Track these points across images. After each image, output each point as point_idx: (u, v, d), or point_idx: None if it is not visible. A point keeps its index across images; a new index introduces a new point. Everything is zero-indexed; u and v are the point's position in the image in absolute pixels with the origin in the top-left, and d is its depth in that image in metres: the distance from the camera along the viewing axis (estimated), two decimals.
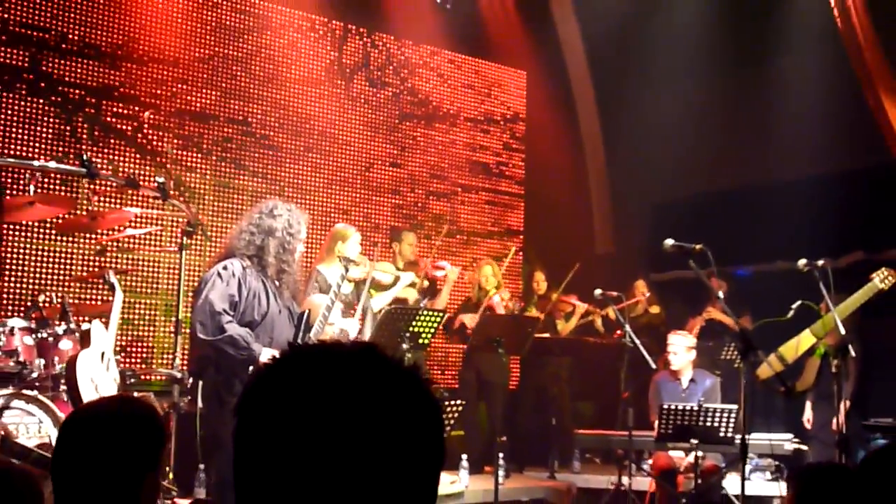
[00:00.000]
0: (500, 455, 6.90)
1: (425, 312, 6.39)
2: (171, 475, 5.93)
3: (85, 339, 4.95)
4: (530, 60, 10.56)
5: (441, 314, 6.58)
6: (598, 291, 7.40)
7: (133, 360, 7.63)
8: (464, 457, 7.30)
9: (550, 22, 10.52)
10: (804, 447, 7.27)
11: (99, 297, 7.29)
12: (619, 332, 7.61)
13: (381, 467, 1.03)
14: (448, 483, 7.08)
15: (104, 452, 1.97)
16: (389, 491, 1.03)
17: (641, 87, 10.21)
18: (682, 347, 7.43)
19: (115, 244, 7.41)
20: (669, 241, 5.06)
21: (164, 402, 5.94)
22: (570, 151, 10.65)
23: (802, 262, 5.66)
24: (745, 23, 9.21)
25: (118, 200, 7.50)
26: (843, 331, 5.53)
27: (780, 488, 7.17)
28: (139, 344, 7.83)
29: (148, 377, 7.18)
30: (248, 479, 1.06)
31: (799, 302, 5.74)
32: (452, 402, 5.27)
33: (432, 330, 6.40)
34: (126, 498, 1.96)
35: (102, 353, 5.05)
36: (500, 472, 6.89)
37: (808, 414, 7.44)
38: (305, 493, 1.02)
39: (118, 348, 7.34)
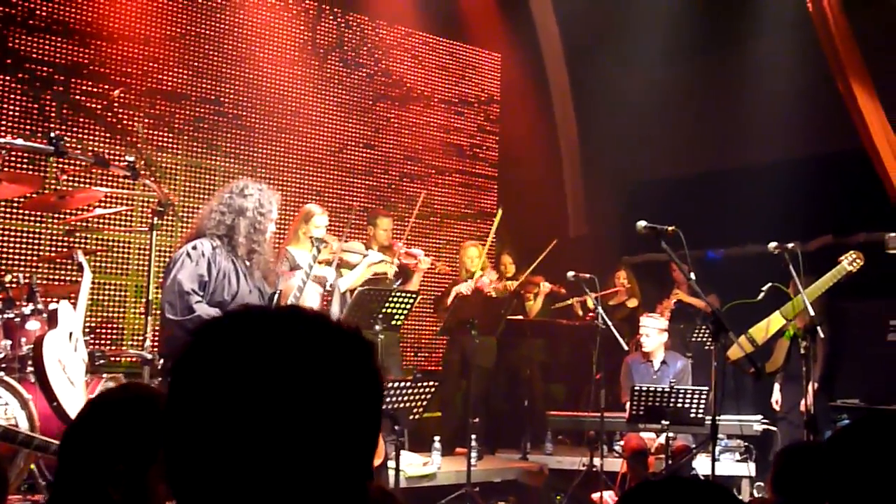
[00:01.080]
0: (473, 437, 6.93)
1: (398, 294, 6.38)
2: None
3: (52, 320, 4.90)
4: (505, 43, 10.53)
5: (414, 295, 6.57)
6: (570, 274, 7.42)
7: (103, 342, 7.56)
8: (436, 438, 7.32)
9: (525, 4, 10.48)
10: (773, 428, 7.36)
11: (67, 278, 7.21)
12: (591, 313, 7.64)
13: (311, 430, 1.01)
14: (420, 464, 7.11)
15: (112, 440, 1.93)
16: (320, 455, 1.02)
17: (615, 69, 10.22)
18: (654, 330, 7.50)
19: (84, 224, 7.32)
20: (642, 223, 5.07)
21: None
22: (544, 134, 10.65)
23: (773, 244, 5.71)
24: (718, 6, 9.23)
25: (87, 179, 7.41)
26: (812, 313, 5.59)
27: (748, 468, 7.25)
28: (109, 325, 7.76)
29: (117, 359, 7.12)
30: (178, 442, 1.04)
31: (769, 284, 5.79)
32: (425, 384, 5.27)
33: (405, 311, 6.39)
34: (130, 489, 1.92)
35: (70, 334, 5.00)
36: (473, 454, 6.92)
37: (776, 395, 7.53)
38: (236, 454, 1.00)
39: (88, 329, 7.27)
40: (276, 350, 1.03)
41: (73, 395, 4.81)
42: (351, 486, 1.05)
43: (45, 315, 5.03)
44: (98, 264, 7.56)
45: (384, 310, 6.23)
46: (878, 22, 8.10)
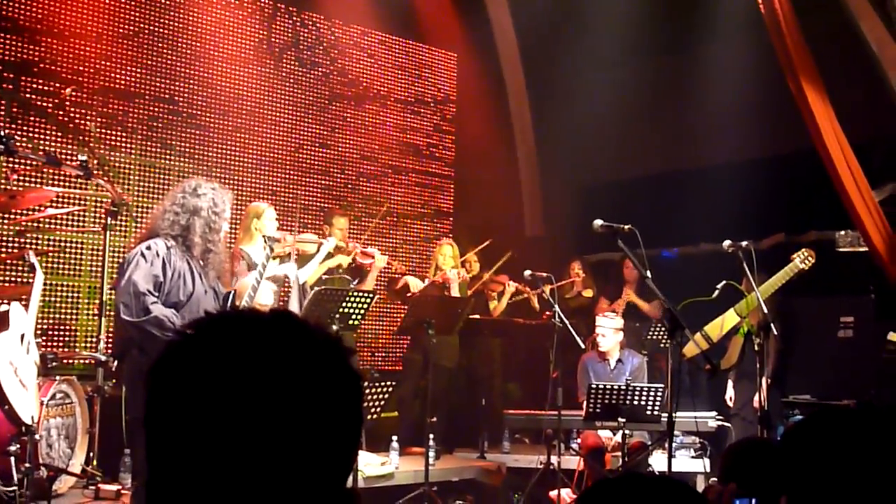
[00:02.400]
0: (431, 436, 6.93)
1: (355, 294, 6.37)
2: (94, 461, 5.83)
3: (3, 322, 4.81)
4: (461, 42, 10.55)
5: (371, 295, 6.56)
6: (527, 272, 7.47)
7: (56, 344, 7.43)
8: (394, 438, 7.31)
9: (481, 4, 10.52)
10: (727, 424, 7.46)
11: (19, 279, 7.08)
12: (548, 312, 7.68)
13: (294, 433, 1.01)
14: (378, 464, 7.09)
15: None
16: (303, 457, 1.02)
17: (571, 71, 10.29)
18: (609, 330, 7.57)
19: (35, 224, 7.20)
20: (599, 222, 5.12)
21: (87, 386, 5.83)
22: (500, 134, 10.69)
23: (727, 243, 5.79)
24: (673, 9, 9.33)
25: (39, 179, 7.29)
26: (765, 310, 5.68)
27: (703, 465, 7.34)
28: (62, 327, 7.63)
29: (71, 360, 7.01)
30: (160, 448, 1.04)
31: (723, 282, 5.87)
32: (382, 384, 5.26)
33: (362, 311, 6.38)
34: None
35: (22, 336, 4.91)
36: (431, 453, 6.92)
37: (730, 392, 7.64)
38: (218, 461, 1.00)
39: (40, 331, 7.15)
40: (258, 355, 1.03)
41: (25, 397, 4.73)
42: (333, 488, 1.05)
43: None
44: (51, 265, 7.44)
45: (341, 309, 6.21)
46: (828, 24, 8.25)
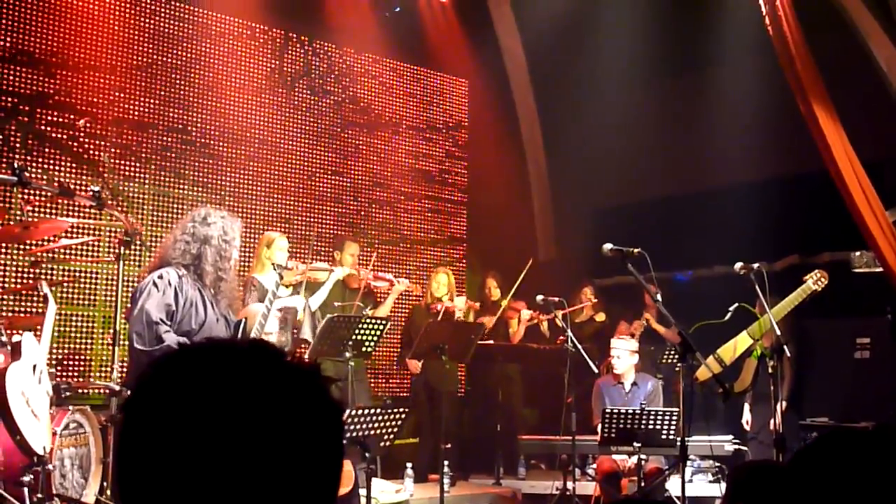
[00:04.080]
0: (445, 463, 6.90)
1: (368, 321, 6.37)
2: (108, 491, 5.82)
3: (15, 352, 4.83)
4: (472, 69, 10.60)
5: (384, 322, 6.56)
6: (539, 297, 7.46)
7: (70, 374, 7.47)
8: (408, 465, 7.29)
9: (491, 30, 10.57)
10: (744, 448, 7.40)
11: (32, 309, 7.12)
12: (561, 337, 7.66)
13: (270, 465, 1.00)
14: (393, 492, 7.06)
15: None
16: (281, 491, 1.01)
17: (581, 95, 10.32)
18: (625, 352, 7.51)
19: (49, 255, 7.25)
20: (608, 245, 5.11)
21: (101, 416, 5.84)
22: (512, 159, 10.71)
23: (739, 265, 5.76)
24: (682, 31, 9.35)
25: (52, 210, 7.35)
26: (778, 332, 5.64)
27: (720, 489, 7.27)
28: (76, 357, 7.67)
29: (85, 390, 7.03)
30: (132, 478, 1.03)
31: (736, 304, 5.84)
32: (395, 410, 5.24)
33: (376, 338, 6.38)
34: None
35: (34, 366, 4.93)
36: (446, 480, 6.89)
37: (746, 416, 7.57)
38: (192, 491, 0.99)
39: (55, 361, 7.20)
40: (232, 387, 1.03)
41: (37, 428, 4.75)
42: None
43: (8, 347, 4.95)
44: (64, 295, 7.49)
45: (354, 336, 6.21)
46: (837, 44, 8.25)
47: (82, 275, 7.68)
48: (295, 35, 9.36)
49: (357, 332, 6.23)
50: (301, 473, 1.02)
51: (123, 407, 1.07)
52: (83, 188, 7.08)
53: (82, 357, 7.69)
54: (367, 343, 6.33)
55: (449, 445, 7.24)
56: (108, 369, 6.28)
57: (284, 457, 1.01)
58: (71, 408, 5.44)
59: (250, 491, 0.99)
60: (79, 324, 7.68)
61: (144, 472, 1.02)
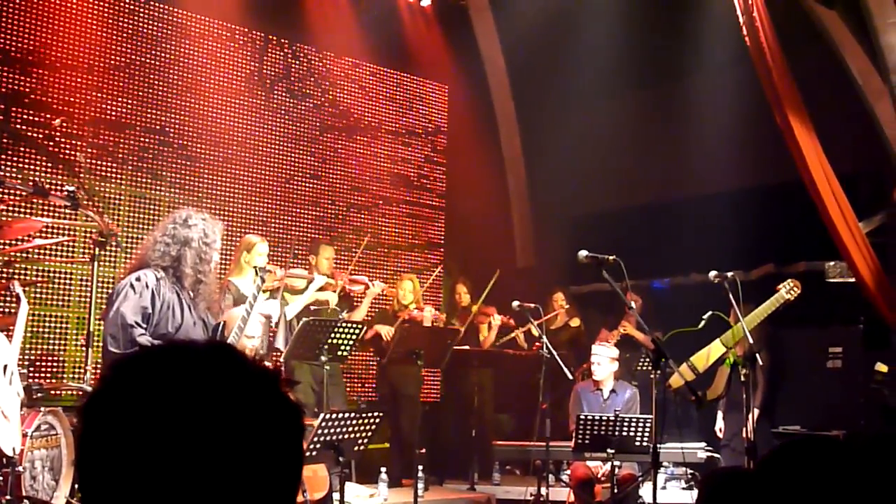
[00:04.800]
0: (419, 467, 6.89)
1: (344, 325, 6.36)
2: (79, 493, 5.78)
3: None
4: (452, 74, 10.62)
5: (360, 326, 6.55)
6: (515, 303, 7.47)
7: (43, 375, 7.40)
8: (382, 470, 7.28)
9: (472, 37, 10.60)
10: (717, 455, 7.44)
11: (4, 309, 7.06)
12: (538, 343, 7.68)
13: (228, 468, 1.00)
14: (367, 496, 7.05)
15: None
16: (239, 493, 1.01)
17: (561, 102, 10.37)
18: (605, 358, 7.51)
19: (23, 255, 7.19)
20: (584, 253, 5.13)
21: (73, 418, 5.79)
22: (491, 165, 10.74)
23: (713, 273, 5.80)
24: (661, 41, 9.42)
25: (26, 210, 7.30)
26: (751, 340, 5.68)
27: (692, 496, 7.31)
28: (50, 358, 7.60)
29: (57, 392, 6.97)
30: (92, 480, 1.03)
31: (710, 313, 5.87)
32: (369, 415, 5.24)
33: (351, 342, 6.37)
34: None
35: (5, 367, 4.89)
36: (419, 485, 6.88)
37: (719, 423, 7.62)
38: (149, 492, 0.99)
39: (27, 362, 7.11)
40: (190, 389, 1.03)
41: (7, 429, 4.70)
42: None
43: None
44: (38, 296, 7.43)
45: (330, 340, 6.20)
46: (813, 56, 8.34)
47: (56, 275, 7.62)
48: (275, 37, 9.34)
49: (333, 335, 6.22)
50: (258, 477, 1.02)
51: (82, 408, 1.06)
52: (58, 188, 7.03)
53: (55, 358, 7.63)
54: (342, 347, 6.32)
55: (423, 450, 7.23)
56: (82, 371, 6.25)
57: (241, 459, 1.01)
58: (42, 409, 5.39)
59: (207, 492, 0.99)
60: (52, 325, 7.62)
61: (103, 473, 1.02)
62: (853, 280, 7.91)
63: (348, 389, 8.66)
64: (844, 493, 1.72)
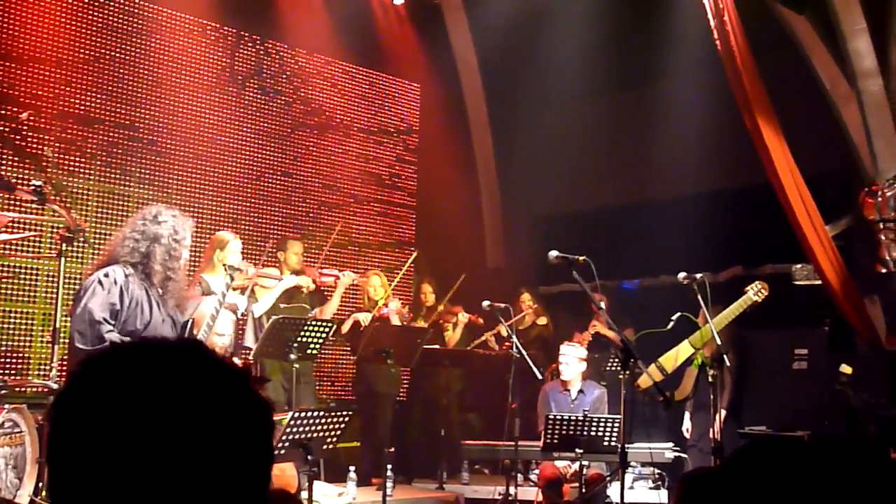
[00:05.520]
0: (388, 466, 6.89)
1: (314, 323, 6.34)
2: (44, 492, 5.72)
3: None
4: (424, 73, 10.62)
5: (330, 325, 6.54)
6: (486, 303, 7.48)
7: (7, 371, 7.32)
8: (351, 468, 7.26)
9: (445, 36, 10.61)
10: (684, 455, 7.49)
11: None
12: (507, 343, 7.70)
13: (196, 465, 1.00)
14: (336, 495, 7.03)
15: None
16: (209, 491, 1.01)
17: (533, 102, 10.40)
18: (573, 358, 7.55)
19: None
20: (554, 253, 5.15)
21: (38, 415, 5.73)
22: (463, 164, 10.75)
23: (682, 275, 5.84)
24: (631, 45, 9.48)
25: None
26: (718, 341, 5.73)
27: (660, 496, 7.36)
28: (15, 354, 7.52)
29: (22, 389, 6.89)
30: (63, 481, 1.03)
31: (678, 314, 5.92)
32: (338, 413, 5.23)
33: (321, 340, 6.35)
34: None
35: None
36: (388, 484, 6.88)
37: (687, 423, 7.67)
38: (119, 494, 0.99)
39: None
40: (158, 386, 1.02)
41: None
42: None
43: None
44: (4, 291, 7.34)
45: (299, 338, 6.18)
46: (782, 61, 8.43)
47: (22, 271, 7.53)
48: (247, 34, 9.29)
49: (302, 334, 6.19)
50: (228, 474, 1.02)
51: (52, 405, 1.06)
52: (25, 183, 6.95)
53: (21, 355, 7.54)
54: (312, 345, 6.30)
55: (392, 449, 7.23)
56: (47, 368, 6.19)
57: (211, 457, 1.01)
58: (6, 406, 5.33)
59: (177, 489, 0.99)
60: (18, 321, 7.53)
61: (72, 470, 1.01)
62: (819, 282, 8.01)
63: (318, 388, 8.63)
64: (806, 493, 1.74)
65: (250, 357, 6.61)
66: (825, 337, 8.08)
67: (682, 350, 6.49)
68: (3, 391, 5.35)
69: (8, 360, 7.43)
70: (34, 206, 6.14)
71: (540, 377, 7.42)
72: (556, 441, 6.55)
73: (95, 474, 1.00)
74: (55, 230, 7.29)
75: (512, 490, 6.99)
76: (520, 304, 9.01)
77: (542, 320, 9.15)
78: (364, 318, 7.91)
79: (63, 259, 5.72)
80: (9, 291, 7.42)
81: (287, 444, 4.87)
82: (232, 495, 1.03)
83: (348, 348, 8.66)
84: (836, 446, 2.46)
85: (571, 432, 6.50)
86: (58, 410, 1.05)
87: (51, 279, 7.52)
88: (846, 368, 6.95)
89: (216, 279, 6.22)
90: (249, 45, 9.33)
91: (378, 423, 8.11)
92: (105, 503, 1.00)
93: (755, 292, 6.35)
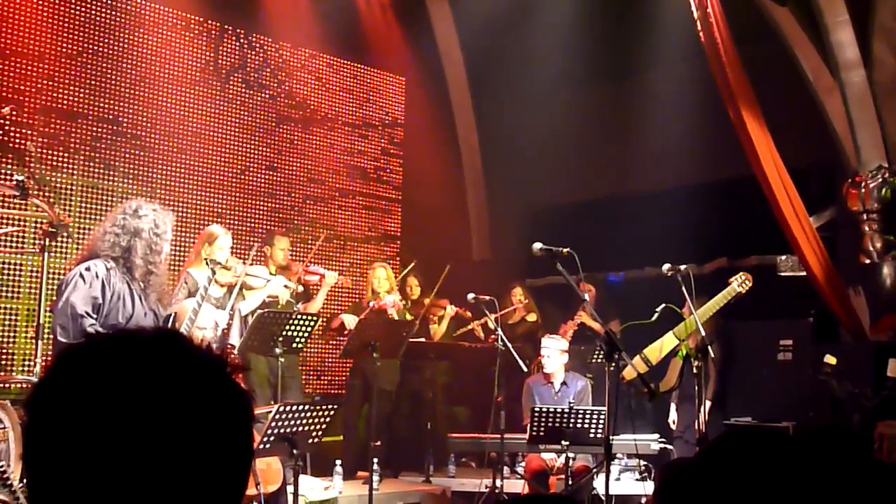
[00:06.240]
0: (375, 460, 6.89)
1: (299, 316, 6.33)
2: (25, 487, 5.69)
3: None
4: (409, 66, 10.60)
5: (315, 318, 6.52)
6: (471, 296, 7.48)
7: None
8: (337, 462, 7.26)
9: (429, 29, 10.59)
10: (670, 447, 7.52)
11: None
12: (493, 336, 7.70)
13: (176, 455, 1.00)
14: (322, 489, 7.03)
15: None
16: (189, 481, 1.01)
17: (518, 95, 10.40)
18: (555, 351, 7.58)
19: None
20: (538, 245, 5.15)
21: (22, 411, 5.70)
22: (448, 157, 10.74)
23: (666, 266, 5.86)
24: (616, 37, 9.48)
25: None
26: (703, 332, 5.75)
27: (645, 487, 7.39)
28: None
29: (5, 385, 6.86)
30: (40, 474, 1.02)
31: (663, 305, 5.93)
32: (324, 407, 5.22)
33: (306, 334, 6.34)
34: None
35: None
36: (375, 477, 6.88)
37: (672, 415, 7.71)
38: (99, 486, 0.99)
39: None
40: (136, 376, 1.02)
41: None
42: None
43: None
44: None
45: (284, 332, 6.17)
46: (766, 53, 8.44)
47: (5, 266, 7.49)
48: (230, 27, 9.25)
49: (287, 327, 6.18)
50: (207, 464, 1.02)
51: (28, 399, 1.05)
52: (7, 177, 6.91)
53: (4, 351, 7.50)
54: (297, 339, 6.29)
55: (378, 443, 7.23)
56: (31, 363, 6.15)
57: (189, 446, 1.01)
58: None
59: (156, 481, 0.99)
60: (1, 317, 7.49)
61: (49, 464, 1.01)
62: (804, 274, 8.04)
63: (304, 382, 8.62)
64: (782, 481, 1.75)
65: (235, 352, 6.59)
66: (810, 328, 8.12)
67: (667, 341, 6.50)
68: None
69: None
70: (17, 201, 6.08)
71: (525, 370, 7.43)
72: (541, 433, 6.57)
73: (73, 466, 0.99)
74: (38, 225, 7.26)
75: (498, 483, 7.01)
76: (510, 298, 9.01)
77: (532, 317, 9.14)
78: (350, 320, 7.87)
79: (46, 254, 5.68)
80: None
81: (272, 437, 4.86)
82: (212, 484, 1.03)
83: (334, 342, 8.66)
84: (817, 436, 2.47)
85: (557, 424, 6.51)
86: (34, 403, 1.04)
87: (34, 274, 7.48)
88: (830, 359, 6.98)
89: (202, 274, 6.19)
90: (233, 38, 9.29)
91: (369, 416, 8.08)
92: (84, 496, 0.99)
93: (739, 283, 6.37)
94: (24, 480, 5.54)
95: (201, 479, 1.01)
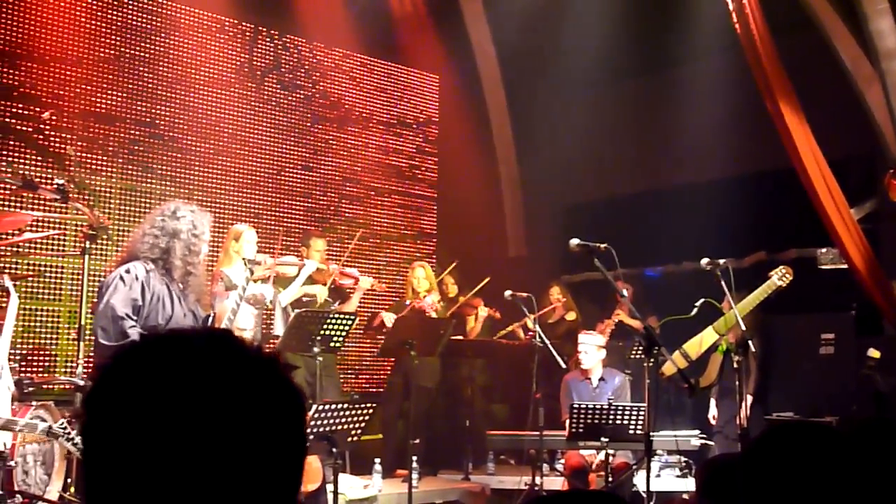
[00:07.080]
0: (414, 458, 6.90)
1: (336, 316, 6.35)
2: (72, 488, 5.77)
3: None
4: (443, 64, 10.59)
5: (353, 317, 6.54)
6: (508, 293, 7.45)
7: (35, 369, 7.39)
8: (377, 461, 7.28)
9: (462, 26, 10.57)
10: (710, 443, 7.45)
11: None
12: (531, 332, 7.67)
13: (232, 454, 1.00)
14: (361, 487, 7.05)
15: None
16: (245, 479, 1.01)
17: (552, 91, 10.36)
18: (592, 347, 7.52)
19: (13, 248, 7.16)
20: (575, 241, 5.12)
21: (65, 411, 5.78)
22: (483, 155, 10.72)
23: (705, 261, 5.79)
24: (651, 30, 9.41)
25: (16, 203, 7.26)
26: (743, 327, 5.68)
27: (687, 484, 7.32)
28: (41, 351, 7.58)
29: (49, 385, 6.96)
30: (98, 476, 1.03)
31: (702, 300, 5.87)
32: (363, 406, 5.23)
33: (344, 333, 6.36)
34: None
35: None
36: (414, 475, 6.89)
37: (713, 410, 7.63)
38: (157, 486, 0.99)
39: (19, 357, 7.11)
40: (191, 377, 1.02)
41: None
42: None
43: None
44: (29, 290, 7.40)
45: (322, 331, 6.19)
46: (803, 43, 8.33)
47: (47, 269, 7.59)
48: (264, 29, 9.30)
49: (325, 327, 6.20)
50: (264, 462, 1.03)
51: (84, 401, 1.06)
52: (48, 181, 7.00)
53: (47, 352, 7.61)
54: (335, 338, 6.31)
55: (417, 441, 7.23)
56: (74, 364, 6.23)
57: (246, 446, 1.01)
58: (34, 403, 5.38)
59: (212, 481, 0.99)
60: (43, 319, 7.60)
61: (108, 465, 1.02)
62: (845, 266, 7.93)
63: (342, 381, 8.65)
64: (829, 476, 1.72)
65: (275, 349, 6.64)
66: (852, 321, 8.01)
67: (707, 336, 6.44)
68: (31, 389, 5.40)
69: (34, 357, 7.50)
70: (57, 204, 6.18)
71: (564, 366, 7.39)
72: (581, 430, 6.53)
73: (131, 468, 1.00)
74: (78, 228, 7.35)
75: (538, 480, 6.98)
76: (548, 297, 8.96)
77: (571, 315, 9.07)
78: (390, 318, 7.87)
79: (87, 256, 5.76)
80: (34, 290, 7.48)
81: (312, 437, 4.88)
82: (269, 481, 1.03)
83: (371, 340, 8.67)
84: (864, 430, 2.43)
85: (596, 421, 6.47)
86: (90, 405, 1.05)
87: (75, 277, 7.58)
88: (874, 352, 6.88)
89: (235, 271, 6.25)
90: (267, 40, 9.34)
91: (408, 414, 8.09)
92: (142, 496, 1.00)
93: (780, 277, 6.29)
94: (72, 479, 5.62)
95: (259, 476, 1.02)
